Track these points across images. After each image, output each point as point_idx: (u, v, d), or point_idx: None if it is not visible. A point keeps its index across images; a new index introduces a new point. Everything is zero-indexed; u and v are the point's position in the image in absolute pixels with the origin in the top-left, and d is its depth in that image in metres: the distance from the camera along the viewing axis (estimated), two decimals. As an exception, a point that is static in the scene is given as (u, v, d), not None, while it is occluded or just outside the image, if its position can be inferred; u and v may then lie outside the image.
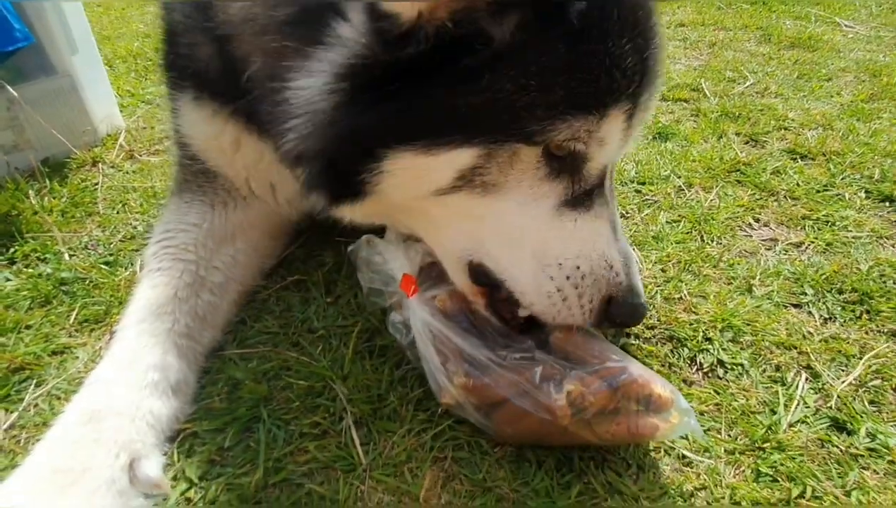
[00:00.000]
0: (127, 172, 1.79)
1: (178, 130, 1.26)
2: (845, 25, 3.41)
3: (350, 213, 0.96)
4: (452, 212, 0.90)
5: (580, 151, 0.85)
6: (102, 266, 1.35)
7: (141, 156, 1.89)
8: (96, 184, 1.70)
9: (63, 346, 1.13)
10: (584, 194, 0.89)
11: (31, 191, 1.62)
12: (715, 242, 1.44)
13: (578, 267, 0.88)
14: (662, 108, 2.24)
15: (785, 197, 1.64)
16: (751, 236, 1.48)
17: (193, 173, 1.27)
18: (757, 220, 1.54)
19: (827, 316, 1.20)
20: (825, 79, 2.54)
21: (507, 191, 0.86)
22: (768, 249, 1.43)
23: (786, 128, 2.06)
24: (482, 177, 0.84)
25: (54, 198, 1.62)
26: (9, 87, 1.64)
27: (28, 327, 1.18)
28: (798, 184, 1.68)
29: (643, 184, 1.69)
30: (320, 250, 1.40)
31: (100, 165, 1.81)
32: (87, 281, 1.30)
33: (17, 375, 1.07)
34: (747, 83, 2.47)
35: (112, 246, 1.43)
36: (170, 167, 1.78)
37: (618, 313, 0.89)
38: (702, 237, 1.45)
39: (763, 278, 1.30)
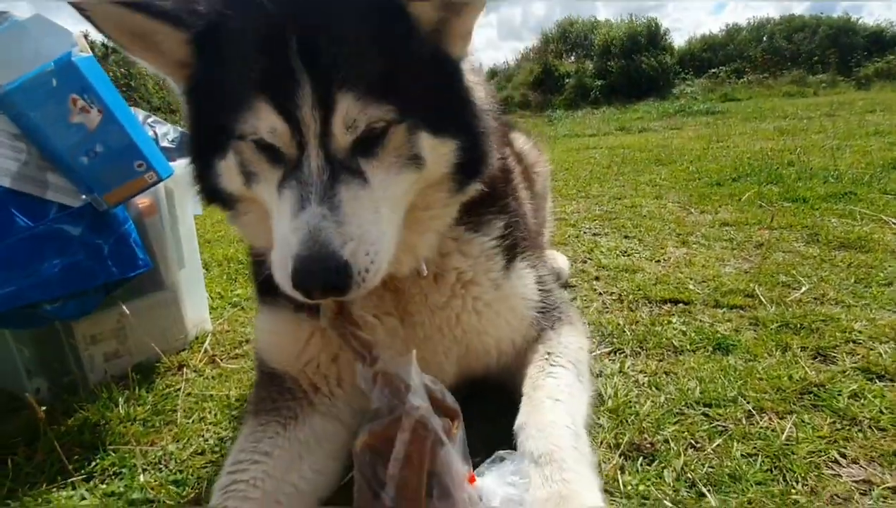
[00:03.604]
0: (207, 378, 1.92)
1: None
2: (894, 223, 3.47)
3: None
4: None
5: (262, 140, 1.07)
6: (171, 486, 1.39)
7: (222, 360, 2.04)
8: (178, 389, 1.84)
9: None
10: (284, 179, 1.08)
11: (120, 399, 1.76)
12: (800, 483, 1.33)
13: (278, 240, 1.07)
14: (718, 316, 2.26)
15: (870, 426, 1.53)
16: (840, 476, 1.36)
17: (267, 386, 1.37)
18: (843, 456, 1.43)
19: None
20: (885, 283, 2.52)
21: (261, 176, 1.13)
22: (863, 494, 1.30)
23: (854, 341, 2.00)
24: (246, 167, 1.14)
25: (139, 405, 1.75)
26: (122, 305, 1.89)
27: (94, 557, 1.19)
28: (881, 412, 1.58)
29: (709, 406, 1.64)
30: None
31: (184, 370, 1.97)
32: (155, 504, 1.33)
33: None
34: (803, 289, 2.48)
35: (183, 462, 1.49)
36: (248, 374, 1.91)
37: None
38: (784, 477, 1.35)
39: (865, 537, 1.17)
